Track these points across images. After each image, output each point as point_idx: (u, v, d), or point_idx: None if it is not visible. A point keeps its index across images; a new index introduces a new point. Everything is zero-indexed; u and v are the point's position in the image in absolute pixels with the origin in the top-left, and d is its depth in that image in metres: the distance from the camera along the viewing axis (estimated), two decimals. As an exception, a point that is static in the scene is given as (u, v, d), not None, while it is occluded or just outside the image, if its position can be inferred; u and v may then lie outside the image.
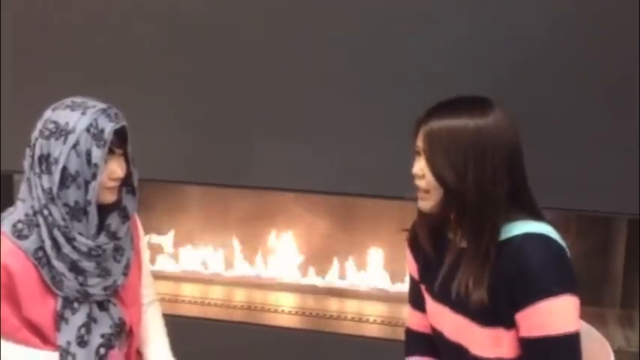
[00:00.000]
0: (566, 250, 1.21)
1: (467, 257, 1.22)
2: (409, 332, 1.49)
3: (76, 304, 1.44)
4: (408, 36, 2.06)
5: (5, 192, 2.19)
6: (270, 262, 2.66)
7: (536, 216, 1.24)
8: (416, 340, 1.47)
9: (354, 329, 2.38)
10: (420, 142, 1.22)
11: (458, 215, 1.21)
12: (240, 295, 2.60)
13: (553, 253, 1.18)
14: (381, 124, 2.10)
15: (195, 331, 2.33)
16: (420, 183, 1.23)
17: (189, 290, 2.64)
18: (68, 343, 1.43)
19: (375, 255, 2.58)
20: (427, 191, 1.22)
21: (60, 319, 1.43)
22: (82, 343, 1.44)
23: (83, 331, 1.44)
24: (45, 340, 1.45)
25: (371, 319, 2.44)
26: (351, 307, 2.52)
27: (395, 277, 2.57)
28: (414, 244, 1.40)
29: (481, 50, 2.00)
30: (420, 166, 1.22)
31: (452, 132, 1.18)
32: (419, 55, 2.05)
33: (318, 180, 2.19)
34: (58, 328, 1.43)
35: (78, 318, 1.44)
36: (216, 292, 2.62)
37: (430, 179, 1.21)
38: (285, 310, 2.51)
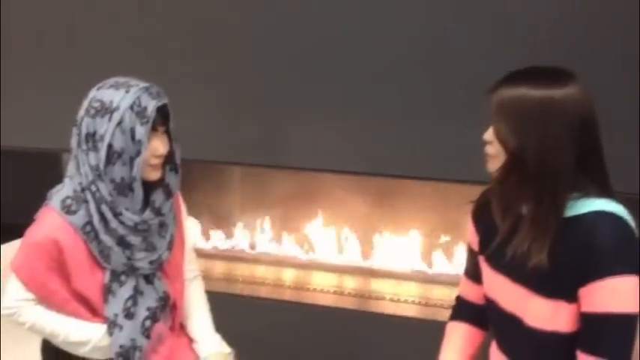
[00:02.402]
0: (636, 231, 1.21)
1: (525, 223, 1.24)
2: (459, 299, 1.53)
3: (123, 277, 1.49)
4: (445, 18, 2.04)
5: (54, 170, 2.26)
6: (307, 241, 2.69)
7: (608, 192, 1.24)
8: (464, 307, 1.51)
9: (391, 309, 2.40)
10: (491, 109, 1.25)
11: (519, 181, 1.23)
12: (282, 275, 2.64)
13: (624, 232, 1.18)
14: (419, 107, 2.10)
15: (243, 309, 2.40)
16: (487, 149, 1.27)
17: (224, 268, 2.69)
18: (115, 315, 1.49)
19: (413, 236, 2.59)
20: (493, 157, 1.26)
21: (107, 291, 1.48)
22: (128, 315, 1.50)
23: (130, 303, 1.50)
24: (94, 312, 1.51)
25: (409, 299, 2.45)
26: (388, 287, 2.53)
27: (431, 258, 2.57)
28: (478, 215, 1.42)
29: (515, 31, 1.98)
30: (490, 132, 1.26)
31: (517, 100, 1.20)
32: (457, 36, 2.03)
33: (356, 161, 2.20)
34: (105, 300, 1.49)
35: (125, 291, 1.49)
36: (252, 271, 2.67)
37: (496, 145, 1.24)
38: (319, 288, 2.54)
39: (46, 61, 2.40)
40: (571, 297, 1.21)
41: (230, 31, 2.23)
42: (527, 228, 1.23)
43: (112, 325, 1.49)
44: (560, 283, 1.21)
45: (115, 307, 1.49)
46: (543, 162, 1.19)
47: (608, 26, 1.91)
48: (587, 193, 1.21)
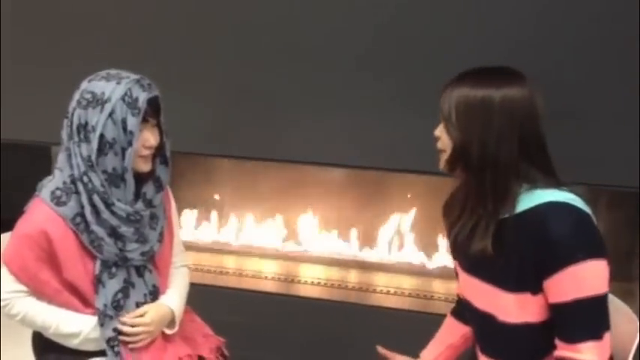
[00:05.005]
0: (591, 215, 1.25)
1: (467, 209, 1.31)
2: (458, 297, 1.59)
3: (114, 269, 1.49)
4: (432, 12, 2.05)
5: (44, 163, 2.26)
6: (297, 233, 2.70)
7: (555, 181, 1.29)
8: (459, 305, 1.57)
9: (382, 301, 2.42)
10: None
11: (463, 172, 1.31)
12: (269, 267, 2.65)
13: (577, 220, 1.22)
14: (408, 99, 2.10)
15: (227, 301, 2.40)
16: (438, 144, 1.35)
17: (214, 260, 2.69)
18: (105, 305, 1.49)
19: (400, 228, 2.60)
20: (443, 151, 1.33)
21: (98, 282, 1.48)
22: (117, 307, 1.50)
23: (120, 295, 1.50)
24: (85, 303, 1.51)
25: (399, 291, 2.47)
26: (376, 279, 2.55)
27: (419, 251, 2.59)
28: (445, 222, 1.45)
29: (506, 26, 2.00)
30: (440, 128, 1.33)
31: (462, 99, 1.28)
32: (446, 30, 2.05)
33: (346, 154, 2.20)
34: (96, 291, 1.49)
35: (115, 282, 1.50)
36: (241, 263, 2.67)
37: (445, 139, 1.31)
38: (309, 281, 2.55)
39: (38, 54, 2.39)
40: (535, 289, 1.26)
41: (221, 23, 2.23)
42: (469, 214, 1.30)
43: (103, 316, 1.49)
44: (522, 277, 1.26)
45: (104, 298, 1.49)
46: (485, 155, 1.26)
47: (607, 22, 1.93)
48: (536, 183, 1.27)
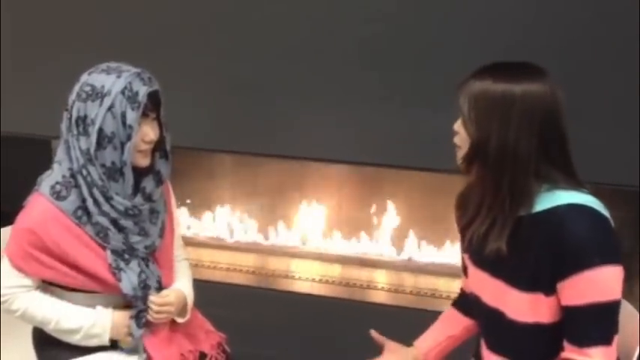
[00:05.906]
0: (610, 220, 1.23)
1: (484, 208, 1.29)
2: (461, 290, 1.59)
3: (126, 256, 1.49)
4: (433, 7, 2.04)
5: (45, 157, 2.25)
6: (297, 230, 2.69)
7: (576, 182, 1.27)
8: (459, 295, 1.58)
9: (378, 298, 2.43)
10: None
11: (480, 169, 1.28)
12: (265, 262, 2.64)
13: (597, 224, 1.21)
14: (410, 95, 2.10)
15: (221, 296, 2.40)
16: (455, 138, 1.32)
17: (214, 256, 2.69)
18: (134, 289, 1.49)
19: (399, 224, 2.60)
20: (460, 146, 1.31)
21: (117, 270, 1.48)
22: (145, 287, 1.51)
23: (144, 276, 1.51)
24: (103, 283, 1.49)
25: (395, 288, 2.47)
26: (377, 276, 2.55)
27: (421, 247, 2.59)
28: (458, 211, 1.45)
29: (505, 23, 1.99)
30: (458, 122, 1.31)
31: (481, 93, 1.25)
32: (449, 25, 2.04)
33: (346, 150, 2.20)
34: (119, 279, 1.48)
35: (134, 266, 1.50)
36: (242, 259, 2.67)
37: (462, 135, 1.29)
38: (310, 277, 2.55)
39: (38, 47, 2.39)
40: (549, 290, 1.24)
41: (221, 18, 2.22)
42: (485, 213, 1.28)
43: (135, 299, 1.50)
44: (536, 277, 1.25)
45: (129, 283, 1.49)
46: (503, 152, 1.23)
47: (607, 20, 1.93)
48: (556, 183, 1.25)
